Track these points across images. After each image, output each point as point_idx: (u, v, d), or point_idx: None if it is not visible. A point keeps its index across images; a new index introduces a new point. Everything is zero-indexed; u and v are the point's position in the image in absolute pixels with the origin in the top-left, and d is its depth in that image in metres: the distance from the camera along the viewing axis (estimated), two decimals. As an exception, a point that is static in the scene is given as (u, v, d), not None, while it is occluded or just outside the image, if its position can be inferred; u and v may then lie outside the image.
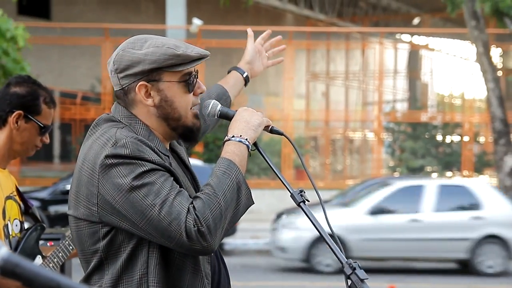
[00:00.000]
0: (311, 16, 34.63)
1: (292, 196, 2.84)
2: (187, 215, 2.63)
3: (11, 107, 3.70)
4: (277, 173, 2.96)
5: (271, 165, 2.98)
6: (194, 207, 2.65)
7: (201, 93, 2.92)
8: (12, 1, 13.56)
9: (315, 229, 2.80)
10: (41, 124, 3.73)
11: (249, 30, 3.68)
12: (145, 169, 2.67)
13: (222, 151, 2.86)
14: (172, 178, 2.73)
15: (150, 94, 2.81)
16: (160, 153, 2.78)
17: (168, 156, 2.85)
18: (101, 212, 2.70)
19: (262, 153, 2.96)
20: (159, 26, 23.65)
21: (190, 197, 2.71)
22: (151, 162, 2.69)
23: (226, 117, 3.00)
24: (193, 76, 2.86)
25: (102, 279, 2.77)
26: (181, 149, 3.09)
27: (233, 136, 2.85)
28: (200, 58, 2.83)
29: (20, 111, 3.70)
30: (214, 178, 2.74)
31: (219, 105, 3.00)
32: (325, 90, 36.12)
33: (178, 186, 2.72)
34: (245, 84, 3.66)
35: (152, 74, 2.79)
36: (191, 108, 2.88)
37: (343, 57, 37.65)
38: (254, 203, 2.85)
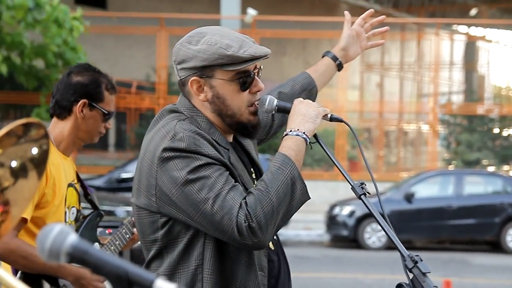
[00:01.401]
0: (366, 6, 34.33)
1: (353, 188, 2.83)
2: (239, 210, 2.65)
3: (76, 97, 3.74)
4: (337, 165, 2.94)
5: (332, 157, 2.96)
6: (246, 202, 2.67)
7: (258, 91, 2.90)
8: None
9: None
10: (105, 111, 3.78)
11: (347, 14, 3.58)
12: (200, 163, 2.70)
13: (280, 146, 2.86)
14: (228, 172, 2.75)
15: (203, 89, 2.84)
16: (219, 147, 2.80)
17: (228, 150, 2.86)
18: (159, 203, 2.75)
19: (322, 145, 2.94)
20: (214, 16, 23.69)
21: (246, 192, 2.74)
22: (207, 156, 2.72)
23: (285, 111, 2.98)
24: (250, 74, 2.85)
25: (160, 267, 2.82)
26: (248, 141, 3.10)
27: (290, 131, 2.84)
28: (252, 59, 2.81)
29: (85, 100, 3.74)
30: (269, 174, 2.75)
31: (276, 100, 2.99)
32: (380, 81, 35.89)
33: (233, 180, 2.74)
34: (339, 70, 3.59)
35: (204, 70, 2.81)
36: (249, 106, 2.88)
37: (398, 48, 37.33)
38: (310, 198, 2.84)
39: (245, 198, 2.69)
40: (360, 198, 2.80)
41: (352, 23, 3.58)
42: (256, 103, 2.91)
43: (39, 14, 13.65)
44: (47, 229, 1.46)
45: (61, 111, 3.77)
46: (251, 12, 21.94)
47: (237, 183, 2.74)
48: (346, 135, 24.00)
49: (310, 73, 3.53)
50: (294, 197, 2.74)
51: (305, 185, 2.78)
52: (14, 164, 1.57)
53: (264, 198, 2.68)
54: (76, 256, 1.42)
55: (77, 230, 3.84)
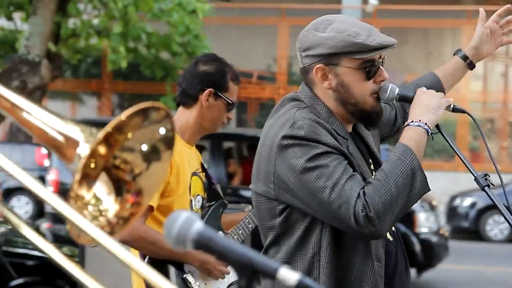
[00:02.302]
0: (490, -5, 33.51)
1: (476, 179, 2.77)
2: (357, 199, 2.64)
3: (202, 85, 3.79)
4: (461, 156, 2.88)
5: (455, 149, 2.91)
6: (364, 192, 2.65)
7: (382, 81, 2.87)
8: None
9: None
10: (229, 101, 3.82)
11: (481, 11, 3.44)
12: (319, 151, 2.70)
13: (400, 136, 2.83)
14: (346, 161, 2.74)
15: (327, 77, 2.83)
16: (338, 136, 2.80)
17: (346, 139, 2.85)
18: (277, 190, 2.76)
19: (445, 135, 2.89)
20: (335, 6, 23.54)
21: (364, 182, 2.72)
22: (326, 145, 2.72)
23: (406, 101, 2.94)
24: (376, 63, 2.83)
25: (277, 253, 2.84)
26: (367, 133, 3.07)
27: (412, 121, 2.81)
28: (381, 48, 2.79)
29: (211, 89, 3.79)
30: (388, 164, 2.72)
31: (397, 89, 2.94)
32: (504, 71, 34.89)
33: (352, 170, 2.73)
34: (470, 69, 3.48)
35: (331, 57, 2.80)
36: (370, 95, 2.86)
37: (524, 37, 36.23)
38: (430, 190, 2.80)
39: (363, 187, 2.67)
40: (483, 190, 2.74)
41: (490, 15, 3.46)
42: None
43: (165, 4, 13.86)
44: (174, 216, 1.49)
45: (187, 99, 3.83)
46: (372, 1, 21.72)
47: (355, 173, 2.73)
48: (468, 125, 23.47)
49: (437, 73, 3.45)
50: (413, 188, 2.72)
51: (425, 177, 2.75)
52: (144, 147, 1.60)
53: (382, 188, 2.66)
54: (201, 243, 1.44)
55: (202, 219, 3.90)
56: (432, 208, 11.22)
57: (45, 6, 6.71)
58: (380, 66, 2.85)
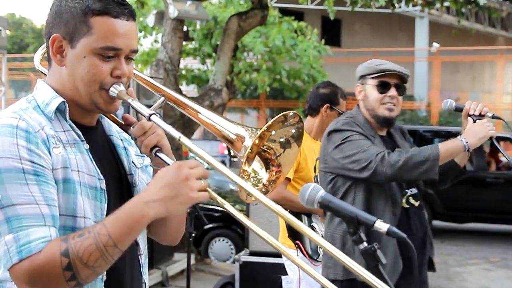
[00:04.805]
0: (517, 38, 31.59)
1: (508, 161, 2.61)
2: (379, 153, 2.64)
3: (322, 102, 3.80)
4: (501, 150, 2.70)
5: (498, 147, 2.73)
6: (388, 152, 2.66)
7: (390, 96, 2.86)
8: (315, 34, 14.14)
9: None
10: (340, 111, 3.81)
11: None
12: (349, 134, 2.77)
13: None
14: (369, 140, 2.76)
15: (360, 92, 2.92)
16: (365, 133, 2.80)
17: (374, 137, 2.83)
18: (327, 165, 2.98)
19: (495, 143, 2.72)
20: (410, 48, 22.85)
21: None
22: (354, 131, 2.78)
23: (459, 110, 2.79)
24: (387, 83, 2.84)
25: None
26: (400, 141, 3.00)
27: (461, 137, 2.69)
28: (385, 71, 2.81)
29: (328, 104, 3.78)
30: (419, 148, 2.68)
31: (454, 102, 2.82)
32: (527, 88, 32.83)
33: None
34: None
35: (362, 79, 2.90)
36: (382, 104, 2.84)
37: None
38: (434, 177, 2.66)
39: (387, 151, 2.67)
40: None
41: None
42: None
43: (299, 50, 14.09)
44: (306, 186, 1.49)
45: (312, 111, 3.84)
46: (435, 44, 20.91)
47: (374, 145, 2.74)
48: (501, 125, 22.22)
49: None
50: (419, 169, 2.62)
51: (434, 167, 2.62)
52: (282, 139, 1.60)
53: (400, 155, 2.63)
54: (323, 204, 1.43)
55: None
56: None
57: (225, 54, 6.97)
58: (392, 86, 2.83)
